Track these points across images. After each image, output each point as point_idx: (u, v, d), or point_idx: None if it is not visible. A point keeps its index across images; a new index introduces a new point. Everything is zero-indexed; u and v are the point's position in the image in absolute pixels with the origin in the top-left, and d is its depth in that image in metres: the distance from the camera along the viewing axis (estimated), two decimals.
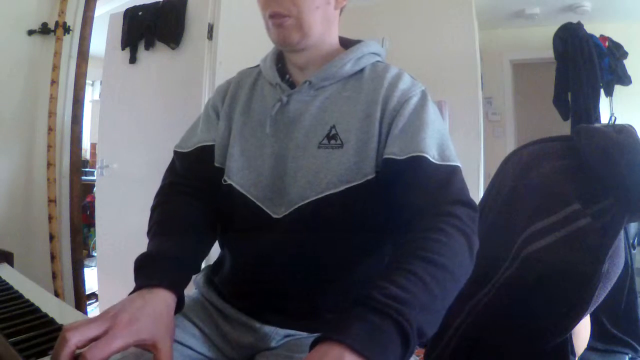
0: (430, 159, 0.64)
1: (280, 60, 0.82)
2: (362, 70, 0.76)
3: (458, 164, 0.66)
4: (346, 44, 0.81)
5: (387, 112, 0.70)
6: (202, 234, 0.74)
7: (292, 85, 0.78)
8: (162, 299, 0.57)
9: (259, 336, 0.73)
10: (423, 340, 0.48)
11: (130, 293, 0.58)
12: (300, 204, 0.70)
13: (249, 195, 0.74)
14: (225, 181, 0.77)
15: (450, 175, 0.64)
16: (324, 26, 0.74)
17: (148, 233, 0.73)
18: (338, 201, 0.69)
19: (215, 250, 0.82)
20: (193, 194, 0.77)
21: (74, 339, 0.46)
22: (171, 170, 0.83)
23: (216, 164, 0.80)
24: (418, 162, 0.64)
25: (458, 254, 0.56)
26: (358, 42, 0.80)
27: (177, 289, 0.60)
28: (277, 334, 0.73)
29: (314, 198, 0.70)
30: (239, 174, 0.76)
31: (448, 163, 0.65)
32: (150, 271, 0.61)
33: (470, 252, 0.58)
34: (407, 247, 0.56)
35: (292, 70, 0.80)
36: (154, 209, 0.77)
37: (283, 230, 0.71)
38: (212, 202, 0.78)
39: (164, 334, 0.54)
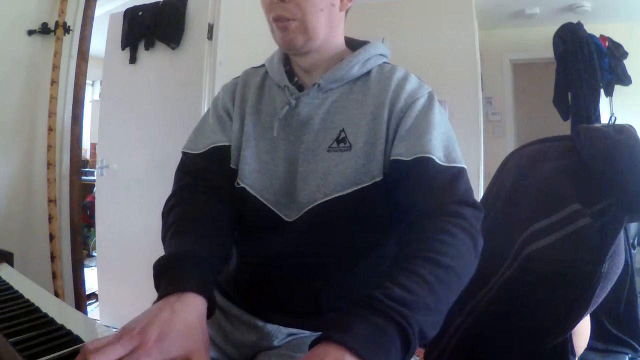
0: (436, 160, 0.64)
1: (287, 62, 0.81)
2: (369, 72, 0.76)
3: (463, 166, 0.67)
4: (352, 44, 0.81)
5: (394, 113, 0.70)
6: (224, 233, 0.71)
7: (300, 87, 0.78)
8: (192, 307, 0.52)
9: (261, 335, 0.73)
10: (424, 341, 0.48)
11: (157, 300, 0.54)
12: (309, 207, 0.71)
13: (261, 199, 0.74)
14: (238, 184, 0.76)
15: (455, 177, 0.64)
16: (328, 29, 0.74)
17: (164, 236, 0.69)
18: (346, 203, 0.69)
19: None
20: (210, 194, 0.75)
21: None
22: (183, 172, 0.80)
23: (232, 166, 0.78)
24: (424, 164, 0.64)
25: (463, 254, 0.56)
26: (365, 43, 0.80)
27: (207, 292, 0.56)
28: (280, 333, 0.73)
29: (322, 200, 0.70)
30: (252, 177, 0.75)
31: (454, 165, 0.65)
32: (176, 274, 0.56)
33: (475, 252, 0.59)
34: (411, 248, 0.56)
35: (299, 73, 0.80)
36: (168, 212, 0.73)
37: (294, 232, 0.72)
38: (230, 202, 0.76)
39: (198, 348, 0.49)
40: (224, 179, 0.77)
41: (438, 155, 0.65)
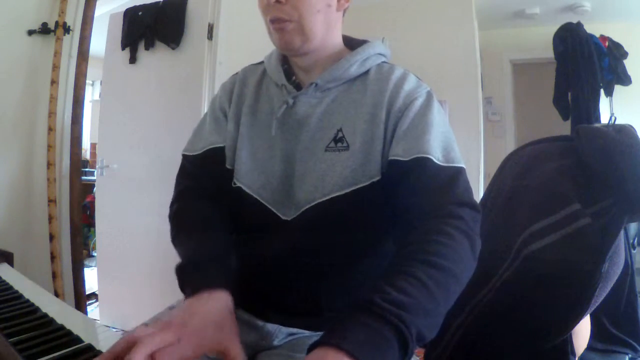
0: (435, 160, 0.64)
1: (286, 61, 0.81)
2: (367, 72, 0.76)
3: (462, 166, 0.66)
4: (351, 44, 0.80)
5: (392, 113, 0.70)
6: (227, 234, 0.74)
7: (298, 86, 0.78)
8: (223, 302, 0.58)
9: (261, 334, 0.73)
10: (422, 343, 0.49)
11: (187, 297, 0.59)
12: (307, 207, 0.71)
13: (258, 198, 0.75)
14: (234, 184, 0.77)
15: (454, 177, 0.64)
16: (325, 29, 0.74)
17: (175, 240, 0.73)
18: (344, 203, 0.69)
19: None
20: (211, 197, 0.77)
21: (149, 346, 0.46)
22: (183, 175, 0.82)
23: (227, 166, 0.79)
24: (422, 164, 0.64)
25: (461, 256, 0.56)
26: (363, 42, 0.79)
27: (231, 288, 0.62)
28: (280, 332, 0.73)
29: (320, 200, 0.70)
30: (248, 177, 0.76)
31: (452, 165, 0.65)
32: (203, 274, 0.61)
33: (473, 254, 0.58)
34: (409, 250, 0.56)
35: (298, 72, 0.79)
36: (174, 216, 0.76)
37: (292, 231, 0.72)
38: (225, 204, 0.78)
39: (231, 338, 0.54)
40: (221, 181, 0.78)
41: (436, 156, 0.65)
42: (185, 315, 0.53)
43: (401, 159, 0.66)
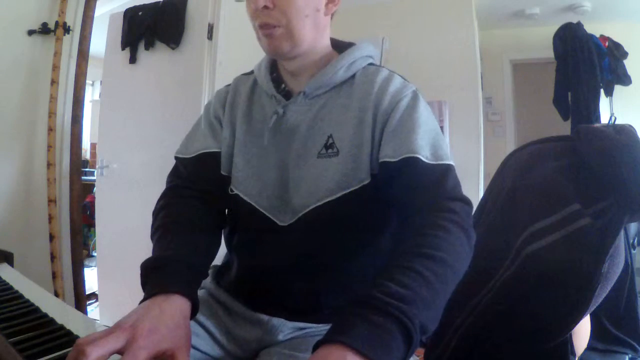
0: (423, 159, 0.65)
1: (274, 69, 0.82)
2: (354, 75, 0.76)
3: (451, 163, 0.67)
4: (339, 47, 0.81)
5: (379, 115, 0.71)
6: (210, 235, 0.74)
7: (287, 94, 0.79)
8: (178, 307, 0.56)
9: (266, 329, 0.74)
10: (425, 335, 0.49)
11: (143, 299, 0.57)
12: (302, 212, 0.72)
13: (255, 205, 0.76)
14: (232, 191, 0.78)
15: (443, 174, 0.65)
16: (314, 33, 0.74)
17: (152, 235, 0.71)
18: (336, 207, 0.70)
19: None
20: (198, 197, 0.78)
21: (93, 354, 0.43)
22: (174, 175, 0.83)
23: (223, 172, 0.80)
24: (411, 163, 0.65)
25: (457, 247, 0.57)
26: (350, 45, 0.80)
27: (192, 294, 0.59)
28: (285, 327, 0.74)
29: (314, 206, 0.71)
30: (245, 184, 0.77)
31: (441, 162, 0.66)
32: (163, 276, 0.59)
33: (469, 245, 0.59)
34: (406, 245, 0.57)
35: (286, 78, 0.80)
36: (157, 212, 0.76)
37: (289, 236, 0.73)
38: (216, 205, 0.79)
39: (182, 344, 0.53)
40: (212, 184, 0.79)
41: (425, 154, 0.65)
42: (136, 318, 0.51)
43: (390, 160, 0.67)
